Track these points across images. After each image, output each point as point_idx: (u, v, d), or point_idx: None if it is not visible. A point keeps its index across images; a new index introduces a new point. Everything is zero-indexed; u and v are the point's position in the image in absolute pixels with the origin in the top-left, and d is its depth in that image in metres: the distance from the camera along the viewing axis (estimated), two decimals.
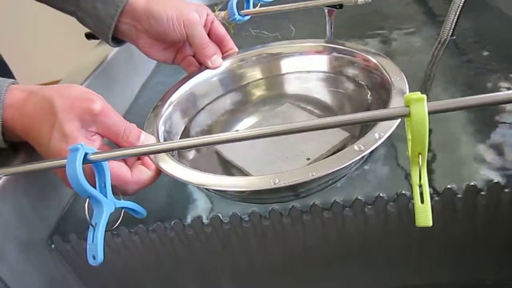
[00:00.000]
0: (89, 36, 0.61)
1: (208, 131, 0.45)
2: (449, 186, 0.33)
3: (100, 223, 0.28)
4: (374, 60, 0.40)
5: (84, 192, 0.27)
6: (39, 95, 0.32)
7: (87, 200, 0.28)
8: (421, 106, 0.23)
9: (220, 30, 0.46)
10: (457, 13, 0.50)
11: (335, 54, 0.45)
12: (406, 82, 0.35)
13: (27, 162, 0.30)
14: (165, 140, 0.39)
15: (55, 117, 0.31)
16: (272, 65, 0.48)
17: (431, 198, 0.33)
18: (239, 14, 0.49)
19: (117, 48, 0.57)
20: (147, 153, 0.30)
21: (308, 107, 0.45)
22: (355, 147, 0.29)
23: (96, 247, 0.28)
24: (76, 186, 0.27)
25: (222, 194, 0.36)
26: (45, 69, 1.85)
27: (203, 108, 0.46)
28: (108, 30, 0.43)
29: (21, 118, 0.32)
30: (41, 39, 1.92)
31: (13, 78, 0.62)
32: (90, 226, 0.28)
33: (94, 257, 0.28)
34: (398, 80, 0.36)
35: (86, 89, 0.33)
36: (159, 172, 0.34)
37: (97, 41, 0.60)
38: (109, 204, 0.29)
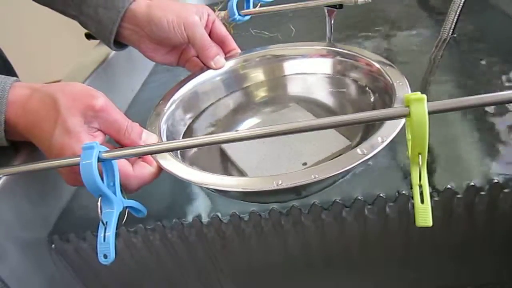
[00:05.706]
0: (89, 36, 0.61)
1: (212, 131, 0.44)
2: (449, 186, 0.32)
3: (112, 222, 0.28)
4: (377, 65, 0.40)
5: (98, 191, 0.27)
6: (42, 92, 0.32)
7: (100, 199, 0.28)
8: (421, 106, 0.23)
9: (222, 30, 0.46)
10: (458, 12, 0.50)
11: (338, 57, 0.45)
12: (409, 87, 0.35)
13: (28, 162, 0.30)
14: (167, 139, 0.39)
15: (58, 113, 0.31)
16: (275, 66, 0.48)
17: (431, 198, 0.33)
18: (239, 14, 0.49)
19: None
20: (157, 152, 0.30)
21: (312, 110, 0.45)
22: (358, 150, 0.29)
23: (108, 246, 0.28)
24: (91, 184, 0.27)
25: (222, 193, 0.36)
26: (45, 69, 1.86)
27: (206, 108, 0.46)
28: (110, 35, 0.44)
29: (24, 114, 0.32)
30: (41, 39, 1.92)
31: (17, 77, 0.62)
32: (101, 226, 0.28)
33: (105, 256, 0.28)
34: (401, 85, 0.36)
35: (89, 87, 0.33)
36: (161, 168, 0.34)
37: (97, 41, 0.60)
38: (118, 203, 0.29)
